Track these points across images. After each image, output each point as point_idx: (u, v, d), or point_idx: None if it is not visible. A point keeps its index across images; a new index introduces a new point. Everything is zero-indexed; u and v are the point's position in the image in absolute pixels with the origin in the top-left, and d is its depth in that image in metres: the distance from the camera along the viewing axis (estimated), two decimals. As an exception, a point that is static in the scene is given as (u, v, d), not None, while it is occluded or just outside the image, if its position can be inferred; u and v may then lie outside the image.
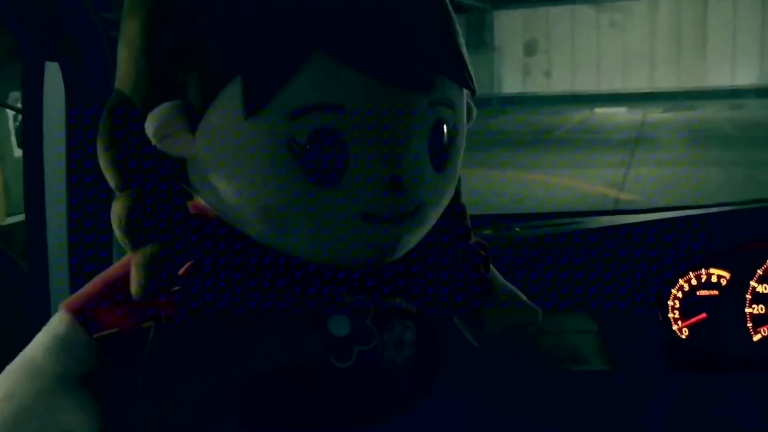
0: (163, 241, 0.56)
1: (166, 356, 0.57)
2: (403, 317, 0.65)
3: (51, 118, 0.77)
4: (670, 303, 1.07)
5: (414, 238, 0.62)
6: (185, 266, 0.56)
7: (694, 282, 1.07)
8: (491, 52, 16.34)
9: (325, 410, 0.62)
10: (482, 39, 16.63)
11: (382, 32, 0.54)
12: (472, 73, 0.61)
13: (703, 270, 1.07)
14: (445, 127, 0.60)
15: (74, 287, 0.78)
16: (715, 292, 1.06)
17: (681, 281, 1.07)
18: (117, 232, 0.57)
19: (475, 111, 0.66)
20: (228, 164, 0.55)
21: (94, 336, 0.56)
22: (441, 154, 0.60)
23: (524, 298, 0.80)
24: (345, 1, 0.54)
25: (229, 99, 0.53)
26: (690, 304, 1.06)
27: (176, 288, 0.56)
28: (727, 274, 1.06)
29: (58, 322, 0.58)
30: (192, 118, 0.55)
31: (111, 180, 0.58)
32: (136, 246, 0.56)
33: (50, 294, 0.80)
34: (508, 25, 16.78)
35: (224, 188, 0.56)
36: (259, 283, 0.59)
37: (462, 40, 0.61)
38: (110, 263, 0.81)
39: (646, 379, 0.99)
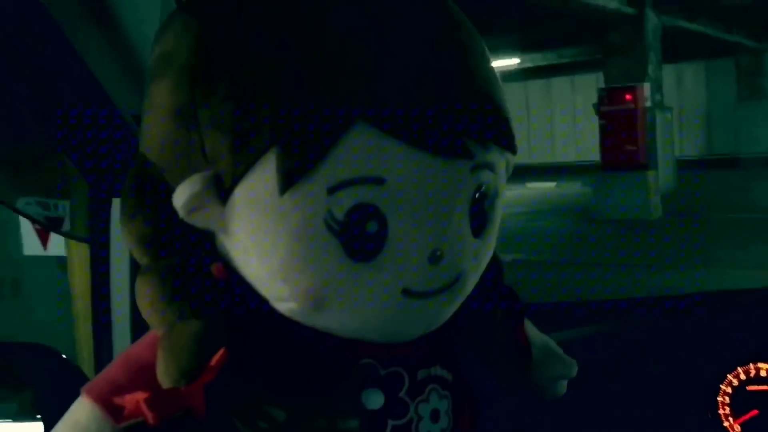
0: (207, 315, 0.52)
1: None
2: (440, 386, 0.61)
3: (117, 252, 0.82)
4: (719, 399, 1.06)
5: (454, 307, 0.59)
6: (218, 353, 0.51)
7: (742, 377, 1.06)
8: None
9: None
10: (757, 86, 13.42)
11: (422, 100, 0.51)
12: (514, 132, 0.57)
13: (751, 365, 1.06)
14: (485, 190, 0.56)
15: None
16: (765, 387, 1.05)
17: (729, 377, 1.06)
18: (146, 310, 0.53)
19: (513, 162, 0.61)
20: (261, 241, 0.51)
21: (120, 426, 0.53)
22: (481, 220, 0.57)
23: (560, 350, 0.75)
24: (382, 71, 0.51)
25: (264, 172, 0.50)
26: (740, 400, 1.06)
27: (210, 377, 0.51)
28: None
29: (80, 410, 0.55)
30: (222, 190, 0.51)
31: (138, 252, 0.54)
32: (170, 325, 0.51)
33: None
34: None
35: (256, 264, 0.53)
36: (292, 364, 0.56)
37: (504, 97, 0.57)
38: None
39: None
